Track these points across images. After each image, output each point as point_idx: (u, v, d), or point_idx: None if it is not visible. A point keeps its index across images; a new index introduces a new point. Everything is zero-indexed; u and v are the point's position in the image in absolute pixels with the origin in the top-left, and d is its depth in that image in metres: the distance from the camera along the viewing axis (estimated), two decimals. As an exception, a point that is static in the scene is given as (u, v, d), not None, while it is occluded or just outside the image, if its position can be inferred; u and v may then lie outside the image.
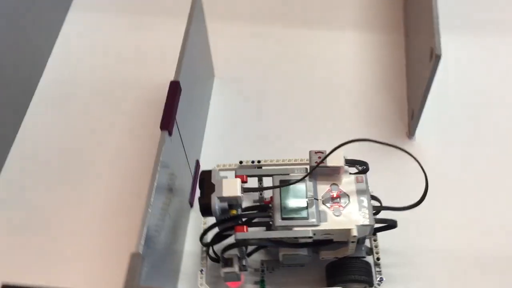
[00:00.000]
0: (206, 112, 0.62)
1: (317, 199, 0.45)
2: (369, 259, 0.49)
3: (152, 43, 0.69)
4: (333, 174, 0.46)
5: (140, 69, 0.67)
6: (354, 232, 0.43)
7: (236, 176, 0.46)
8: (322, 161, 0.45)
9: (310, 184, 0.46)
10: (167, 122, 0.44)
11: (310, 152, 0.46)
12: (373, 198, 0.48)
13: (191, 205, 0.56)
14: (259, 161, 0.51)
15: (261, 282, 0.50)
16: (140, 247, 0.39)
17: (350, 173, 0.47)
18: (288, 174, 0.46)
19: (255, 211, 0.47)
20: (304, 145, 0.51)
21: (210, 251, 0.49)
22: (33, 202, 0.57)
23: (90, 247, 0.53)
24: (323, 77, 0.66)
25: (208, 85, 0.63)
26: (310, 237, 0.44)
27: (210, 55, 0.63)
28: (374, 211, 0.46)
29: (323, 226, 0.44)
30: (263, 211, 0.46)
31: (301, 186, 0.45)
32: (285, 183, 0.45)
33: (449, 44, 0.66)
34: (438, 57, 0.49)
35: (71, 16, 0.72)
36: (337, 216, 0.44)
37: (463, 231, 0.53)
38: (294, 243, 0.45)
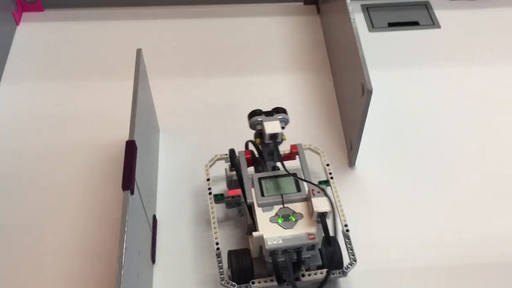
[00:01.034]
0: (156, 166, 0.63)
1: (283, 204, 0.51)
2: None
3: (91, 105, 0.69)
4: (312, 213, 0.50)
5: (83, 131, 0.67)
6: (255, 235, 0.49)
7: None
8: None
9: (298, 197, 0.51)
10: (128, 182, 0.45)
11: (320, 183, 0.56)
12: (299, 259, 0.50)
13: (153, 261, 0.56)
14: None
15: (221, 195, 0.57)
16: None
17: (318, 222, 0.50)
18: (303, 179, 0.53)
19: (264, 157, 0.56)
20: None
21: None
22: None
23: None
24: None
25: (155, 139, 0.65)
26: (247, 203, 0.51)
27: (154, 111, 0.65)
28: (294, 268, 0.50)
29: (257, 211, 0.51)
30: (265, 157, 0.55)
31: (293, 187, 0.52)
32: (293, 175, 0.53)
33: (376, 77, 0.72)
34: (370, 92, 0.54)
35: (3, 88, 0.71)
36: (269, 221, 0.50)
37: (403, 248, 0.57)
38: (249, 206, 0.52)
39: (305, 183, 0.52)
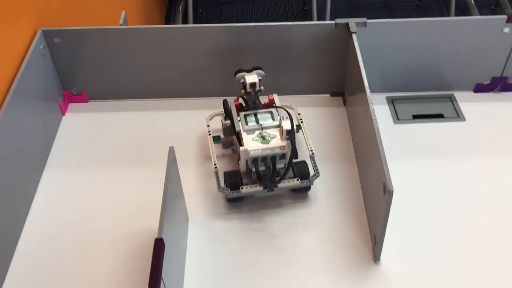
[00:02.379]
0: (184, 257, 0.65)
1: (262, 129, 0.69)
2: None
3: (128, 194, 0.73)
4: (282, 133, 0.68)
5: (118, 220, 0.70)
6: (242, 149, 0.66)
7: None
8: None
9: (272, 124, 0.69)
10: (155, 281, 0.47)
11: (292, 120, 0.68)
12: (274, 165, 0.67)
13: None
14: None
15: (218, 137, 0.75)
16: None
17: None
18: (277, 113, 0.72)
19: (249, 103, 0.73)
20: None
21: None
22: None
23: None
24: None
25: (184, 228, 0.67)
26: (236, 131, 0.69)
27: (184, 201, 0.68)
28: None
29: (243, 134, 0.68)
30: (249, 104, 0.73)
31: (269, 118, 0.70)
32: (267, 106, 0.73)
33: (400, 169, 0.73)
34: (391, 193, 0.56)
35: (46, 175, 0.76)
36: (252, 140, 0.68)
37: None
38: (239, 139, 0.69)
39: (277, 116, 0.70)
